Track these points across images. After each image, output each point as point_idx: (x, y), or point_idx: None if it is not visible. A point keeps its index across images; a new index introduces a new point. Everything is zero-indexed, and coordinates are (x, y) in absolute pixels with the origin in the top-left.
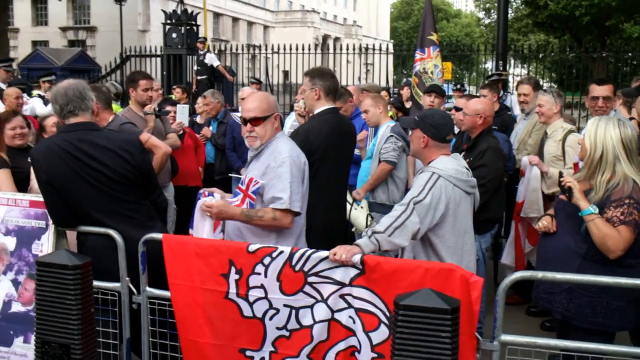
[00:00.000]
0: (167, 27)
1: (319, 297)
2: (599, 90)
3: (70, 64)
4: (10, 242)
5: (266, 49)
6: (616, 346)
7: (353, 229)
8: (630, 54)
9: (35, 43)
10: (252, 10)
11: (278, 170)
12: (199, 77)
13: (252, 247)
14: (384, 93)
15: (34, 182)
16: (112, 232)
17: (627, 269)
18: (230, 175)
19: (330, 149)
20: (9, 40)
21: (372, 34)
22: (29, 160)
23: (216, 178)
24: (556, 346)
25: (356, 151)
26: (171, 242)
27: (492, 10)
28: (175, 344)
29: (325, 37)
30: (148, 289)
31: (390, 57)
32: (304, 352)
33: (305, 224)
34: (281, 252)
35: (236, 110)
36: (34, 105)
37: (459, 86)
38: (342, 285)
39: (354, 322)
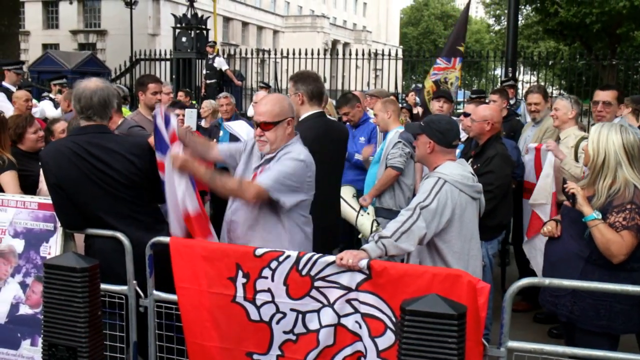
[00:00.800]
0: (177, 31)
1: (325, 302)
2: (600, 95)
3: (80, 67)
4: (19, 245)
5: (275, 54)
6: (625, 354)
7: (360, 236)
8: None
9: (45, 46)
10: (262, 15)
11: (284, 160)
12: (208, 81)
13: (259, 251)
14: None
15: (42, 184)
16: (119, 234)
17: (630, 272)
18: None
19: (316, 155)
20: (20, 43)
21: (381, 39)
22: (39, 163)
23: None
24: (564, 353)
25: (360, 157)
26: (178, 245)
27: (502, 17)
28: (182, 348)
29: (335, 42)
30: (155, 292)
31: (400, 62)
32: (311, 357)
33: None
34: (288, 256)
35: (245, 115)
36: (44, 107)
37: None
38: (349, 290)
39: (360, 327)
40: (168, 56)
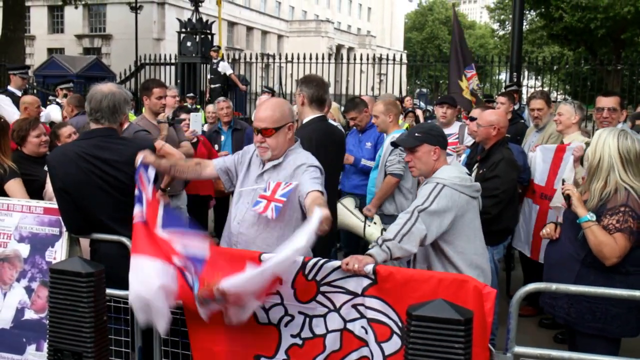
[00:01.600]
0: (182, 35)
1: (331, 307)
2: (604, 102)
3: (86, 72)
4: (24, 249)
5: (280, 58)
6: (630, 359)
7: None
8: None
9: (51, 50)
10: (267, 20)
11: (310, 171)
12: (212, 86)
13: (265, 256)
14: None
15: (48, 187)
16: (125, 239)
17: (627, 276)
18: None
19: (321, 157)
20: (25, 47)
21: (385, 44)
22: (45, 168)
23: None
24: (570, 358)
25: (367, 162)
26: None
27: (507, 22)
28: (187, 353)
29: (339, 47)
30: None
31: (404, 67)
32: None
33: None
34: (294, 261)
35: (248, 119)
36: (50, 112)
37: (487, 98)
38: (355, 295)
39: (367, 332)
40: (173, 61)
